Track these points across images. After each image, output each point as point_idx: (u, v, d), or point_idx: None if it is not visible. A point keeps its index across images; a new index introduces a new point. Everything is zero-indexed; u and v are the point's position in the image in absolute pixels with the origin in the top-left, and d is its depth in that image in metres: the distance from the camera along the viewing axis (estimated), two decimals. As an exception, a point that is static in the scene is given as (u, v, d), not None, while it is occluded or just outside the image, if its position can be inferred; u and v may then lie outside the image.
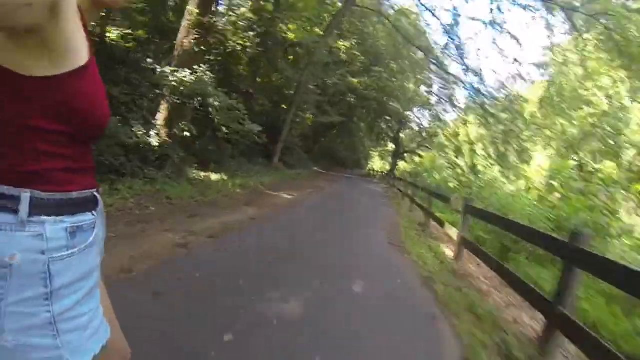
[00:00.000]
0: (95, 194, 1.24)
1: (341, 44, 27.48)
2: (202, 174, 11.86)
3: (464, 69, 25.76)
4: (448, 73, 28.31)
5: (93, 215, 1.20)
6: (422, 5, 23.75)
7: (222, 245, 5.40)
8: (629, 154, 31.38)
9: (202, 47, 11.56)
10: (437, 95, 39.31)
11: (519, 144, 27.18)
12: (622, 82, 29.23)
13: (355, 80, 28.91)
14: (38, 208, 1.02)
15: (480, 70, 25.16)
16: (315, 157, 35.63)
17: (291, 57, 24.06)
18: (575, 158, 33.39)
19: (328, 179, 25.06)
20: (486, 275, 6.47)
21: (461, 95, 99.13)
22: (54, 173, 1.07)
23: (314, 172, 28.62)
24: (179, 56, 11.05)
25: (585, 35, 22.31)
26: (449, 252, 7.62)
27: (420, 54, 31.41)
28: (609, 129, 30.17)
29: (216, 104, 10.77)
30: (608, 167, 33.53)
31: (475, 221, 7.99)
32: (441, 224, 8.85)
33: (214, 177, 12.17)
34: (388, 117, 40.73)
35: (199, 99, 10.58)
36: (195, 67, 10.48)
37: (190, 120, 11.59)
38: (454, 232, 7.54)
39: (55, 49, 0.97)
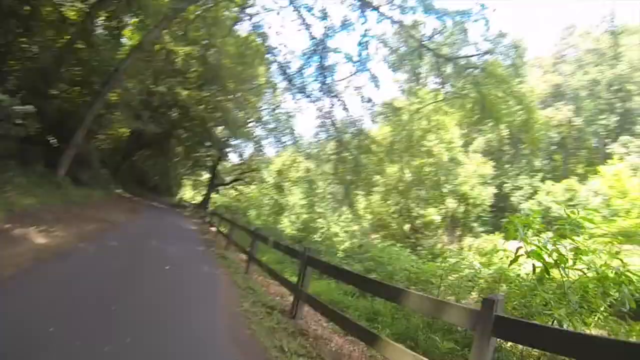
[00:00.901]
0: None
1: (180, 49, 22.61)
2: None
3: (324, 94, 22.72)
4: (304, 93, 24.73)
5: None
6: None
7: None
8: (452, 203, 35.75)
9: None
10: (264, 127, 37.79)
11: (366, 182, 25.33)
12: (464, 137, 31.50)
13: (185, 93, 24.08)
14: None
15: (338, 96, 22.00)
16: (122, 176, 29.28)
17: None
18: (392, 202, 35.04)
19: (130, 208, 19.14)
20: None
21: (306, 127, 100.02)
22: None
23: (115, 195, 22.26)
24: None
25: (447, 88, 21.55)
26: None
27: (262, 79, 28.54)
28: (443, 178, 32.46)
29: None
30: (430, 212, 36.07)
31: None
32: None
33: None
34: (209, 144, 37.03)
35: None
36: None
37: None
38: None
39: None
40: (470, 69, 19.49)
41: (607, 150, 48.62)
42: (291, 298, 7.24)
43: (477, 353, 3.02)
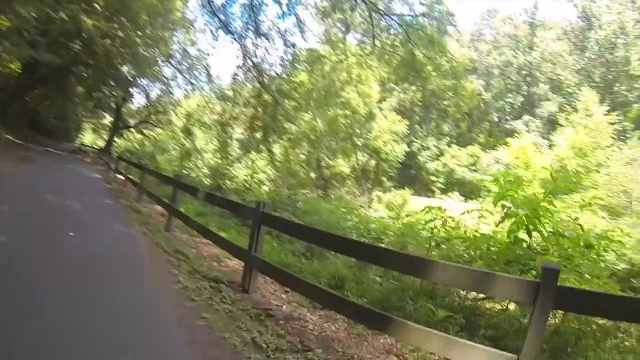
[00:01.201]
0: None
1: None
2: None
3: (248, 33, 21.27)
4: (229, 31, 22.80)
5: None
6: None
7: None
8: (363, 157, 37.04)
9: None
10: (175, 66, 35.07)
11: (281, 128, 24.62)
12: (381, 93, 32.30)
13: (91, 22, 21.20)
14: None
15: (263, 37, 20.69)
16: (12, 119, 25.77)
17: None
18: (303, 151, 35.13)
19: (22, 155, 16.66)
20: None
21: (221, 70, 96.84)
22: None
23: (4, 140, 19.12)
24: None
25: (377, 43, 20.92)
26: None
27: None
28: (357, 131, 33.56)
29: None
30: (339, 164, 36.80)
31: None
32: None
33: None
34: (113, 83, 33.66)
35: None
36: None
37: None
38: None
39: None
40: (404, 27, 19.04)
41: (507, 126, 54.47)
42: (229, 262, 6.39)
43: (537, 328, 2.70)
